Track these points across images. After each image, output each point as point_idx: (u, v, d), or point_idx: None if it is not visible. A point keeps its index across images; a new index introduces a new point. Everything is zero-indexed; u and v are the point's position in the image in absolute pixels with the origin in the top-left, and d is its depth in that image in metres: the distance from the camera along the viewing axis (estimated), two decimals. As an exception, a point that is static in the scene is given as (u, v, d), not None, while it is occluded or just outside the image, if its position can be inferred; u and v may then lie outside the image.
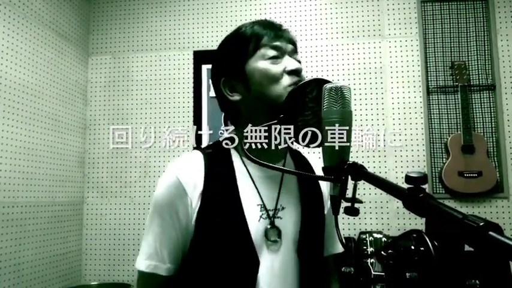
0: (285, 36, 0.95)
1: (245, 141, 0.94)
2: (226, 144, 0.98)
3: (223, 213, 0.89)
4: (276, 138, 0.92)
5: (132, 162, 2.76)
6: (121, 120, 2.80)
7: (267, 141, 0.92)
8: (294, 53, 0.96)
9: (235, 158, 0.96)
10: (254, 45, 0.93)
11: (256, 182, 0.94)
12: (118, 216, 2.74)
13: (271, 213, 0.93)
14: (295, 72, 0.91)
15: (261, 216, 0.92)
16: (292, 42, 0.97)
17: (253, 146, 0.93)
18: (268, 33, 0.93)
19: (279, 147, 0.94)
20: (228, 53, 0.98)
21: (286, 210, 0.95)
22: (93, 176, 2.79)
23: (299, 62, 0.96)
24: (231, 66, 0.95)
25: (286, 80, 0.90)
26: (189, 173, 0.91)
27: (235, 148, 0.97)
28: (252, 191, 0.93)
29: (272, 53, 0.92)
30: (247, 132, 0.93)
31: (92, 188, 2.79)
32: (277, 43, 0.93)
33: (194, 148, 1.01)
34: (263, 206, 0.93)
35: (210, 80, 1.05)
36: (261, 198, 0.93)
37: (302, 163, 1.06)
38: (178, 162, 0.94)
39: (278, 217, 0.94)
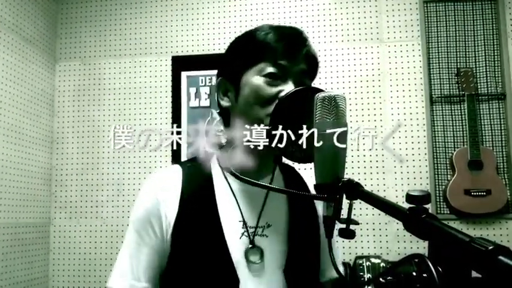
0: (300, 54, 0.92)
1: (227, 152, 0.95)
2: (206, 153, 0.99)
3: (199, 230, 0.91)
4: (262, 153, 0.92)
5: (104, 179, 2.74)
6: (92, 133, 2.79)
7: (251, 154, 0.93)
8: (304, 75, 0.93)
9: (216, 170, 0.98)
10: (258, 56, 0.92)
11: (238, 196, 0.95)
12: (89, 239, 2.71)
13: (251, 230, 0.94)
14: None
15: (243, 234, 0.93)
16: (310, 62, 0.94)
17: (236, 159, 0.94)
18: (280, 47, 0.90)
19: (265, 161, 0.95)
20: (232, 54, 0.99)
21: (272, 228, 0.96)
22: (61, 195, 2.78)
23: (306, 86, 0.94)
24: (230, 69, 0.97)
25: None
26: (166, 187, 0.94)
27: (217, 160, 0.99)
28: (233, 207, 0.94)
29: (272, 70, 0.90)
30: (229, 143, 0.95)
31: (60, 208, 2.76)
32: (284, 62, 0.90)
33: (175, 163, 1.03)
34: (244, 223, 0.94)
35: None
36: (242, 215, 0.94)
37: (294, 179, 1.07)
38: (155, 177, 0.98)
39: (262, 235, 0.94)
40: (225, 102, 0.97)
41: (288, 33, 0.94)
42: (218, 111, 1.03)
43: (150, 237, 0.92)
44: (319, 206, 1.03)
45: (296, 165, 1.11)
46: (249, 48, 0.94)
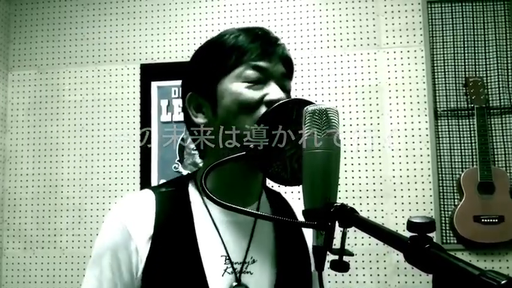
0: (277, 56, 0.94)
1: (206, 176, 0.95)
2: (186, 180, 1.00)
3: (176, 266, 0.90)
4: (246, 176, 0.94)
5: (63, 204, 2.74)
6: (49, 152, 2.77)
7: (233, 178, 0.94)
8: (284, 78, 0.95)
9: (195, 198, 0.97)
10: (234, 61, 0.92)
11: (220, 228, 0.94)
12: (45, 272, 2.69)
13: (238, 267, 0.93)
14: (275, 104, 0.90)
15: (225, 271, 0.92)
16: (287, 63, 0.96)
17: (217, 184, 0.94)
18: (254, 49, 0.92)
19: (251, 186, 0.97)
20: (201, 64, 0.98)
21: (257, 264, 0.95)
22: (14, 222, 2.77)
23: (288, 91, 0.96)
24: (201, 80, 0.96)
25: (262, 112, 0.89)
26: (137, 217, 0.92)
27: (196, 186, 0.99)
28: (215, 239, 0.93)
29: (252, 74, 0.91)
30: (208, 165, 0.92)
31: (13, 236, 2.75)
32: (263, 63, 0.92)
33: (146, 187, 1.02)
34: (228, 258, 0.93)
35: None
36: (226, 249, 0.93)
37: (281, 207, 1.07)
38: (123, 204, 0.96)
39: (247, 272, 0.94)
40: (200, 119, 0.96)
41: (260, 34, 0.96)
42: (190, 133, 1.03)
43: (116, 276, 0.90)
44: (309, 236, 1.04)
45: (282, 189, 1.12)
46: (221, 54, 0.94)
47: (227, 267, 0.92)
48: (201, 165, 1.07)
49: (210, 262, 0.91)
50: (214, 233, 0.94)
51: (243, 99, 0.90)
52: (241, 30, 0.96)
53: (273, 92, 0.90)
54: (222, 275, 0.91)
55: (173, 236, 0.92)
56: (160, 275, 0.89)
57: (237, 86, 0.91)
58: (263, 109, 0.89)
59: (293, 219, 1.03)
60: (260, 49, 0.92)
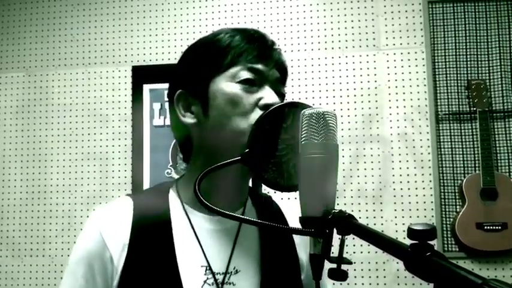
0: (273, 60, 0.95)
1: (189, 180, 0.95)
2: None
3: (152, 276, 0.89)
4: (236, 181, 0.94)
5: (51, 211, 2.72)
6: (38, 157, 2.77)
7: (222, 183, 0.93)
8: (279, 82, 0.96)
9: (175, 204, 0.97)
10: (228, 60, 0.92)
11: (200, 236, 0.94)
12: (34, 281, 2.68)
13: (219, 277, 0.92)
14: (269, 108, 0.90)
15: (205, 282, 0.91)
16: (282, 69, 0.97)
17: (204, 189, 0.91)
18: (251, 50, 0.93)
19: (239, 191, 0.97)
20: (193, 62, 0.98)
21: (241, 274, 0.94)
22: (1, 229, 2.76)
23: (282, 96, 0.96)
24: (193, 78, 0.95)
25: (256, 116, 0.89)
26: (113, 223, 0.92)
27: (177, 192, 0.99)
28: (194, 248, 0.93)
29: (247, 75, 0.91)
30: (194, 169, 0.95)
31: (0, 244, 2.74)
32: (259, 66, 0.92)
33: (126, 194, 1.02)
34: (209, 268, 0.92)
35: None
36: (206, 258, 0.92)
37: (270, 213, 1.06)
38: (101, 211, 0.96)
39: (229, 283, 0.93)
40: (188, 119, 0.95)
41: (256, 36, 0.96)
42: (176, 134, 1.03)
43: (89, 284, 0.91)
44: (301, 244, 1.05)
45: (277, 195, 1.13)
46: (216, 52, 0.94)
47: (207, 278, 0.91)
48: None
49: (189, 272, 0.90)
50: (194, 241, 0.93)
51: (238, 101, 0.90)
52: (237, 31, 0.97)
53: (268, 96, 0.90)
54: (202, 286, 0.91)
55: (149, 245, 0.91)
56: (136, 285, 0.89)
57: (232, 87, 0.91)
58: (257, 113, 0.89)
59: (287, 226, 1.02)
60: (257, 51, 0.93)
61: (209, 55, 0.94)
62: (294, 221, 1.04)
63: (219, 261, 0.93)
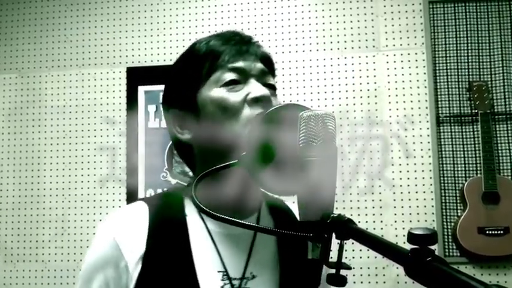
0: (252, 53, 0.95)
1: (199, 189, 0.96)
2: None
3: (170, 283, 0.89)
4: (242, 187, 0.93)
5: (45, 215, 2.72)
6: (30, 160, 2.76)
7: (228, 188, 0.93)
8: (265, 74, 0.96)
9: (190, 210, 0.97)
10: (208, 67, 0.93)
11: (217, 241, 0.94)
12: (27, 287, 2.67)
13: (236, 283, 0.92)
14: (259, 101, 0.90)
15: (222, 287, 0.91)
16: (265, 59, 0.98)
17: (212, 196, 0.93)
18: (228, 50, 0.93)
19: (247, 196, 0.96)
20: (178, 77, 0.99)
21: (257, 280, 0.94)
22: (-6, 234, 2.75)
23: (272, 86, 0.96)
24: (181, 94, 0.97)
25: (247, 112, 0.90)
26: (128, 230, 0.92)
27: (191, 196, 0.97)
28: (211, 254, 0.93)
29: (230, 76, 0.92)
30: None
31: (-8, 249, 2.74)
32: (239, 64, 0.93)
33: (130, 197, 1.01)
34: (225, 274, 0.92)
35: (157, 105, 1.09)
36: (223, 264, 0.92)
37: (285, 219, 1.05)
38: (116, 217, 0.97)
39: None
40: (186, 135, 0.97)
41: (229, 35, 0.98)
42: (177, 150, 1.04)
43: None
44: None
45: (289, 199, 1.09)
46: (195, 63, 0.95)
47: (224, 284, 0.91)
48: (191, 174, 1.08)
49: (206, 278, 0.90)
50: (211, 246, 0.93)
51: (226, 103, 0.90)
52: (212, 36, 0.98)
53: (254, 89, 0.91)
54: None
55: (167, 251, 0.91)
56: None
57: (217, 92, 0.91)
58: (247, 109, 0.90)
59: (286, 231, 1.01)
60: (234, 50, 0.93)
61: (190, 67, 0.96)
62: None
63: (235, 266, 0.94)
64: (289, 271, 0.97)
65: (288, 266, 0.98)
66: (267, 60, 0.98)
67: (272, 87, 0.96)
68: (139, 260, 0.90)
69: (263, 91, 0.91)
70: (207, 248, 0.93)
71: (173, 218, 0.96)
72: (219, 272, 0.92)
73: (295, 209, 1.08)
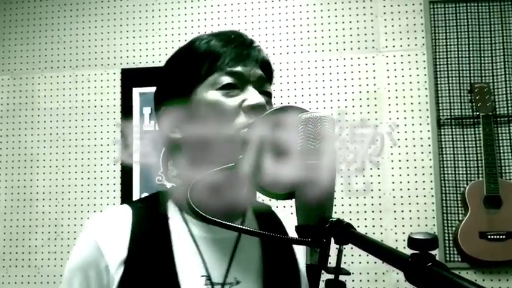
0: (253, 58, 0.94)
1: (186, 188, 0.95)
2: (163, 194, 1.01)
3: (151, 286, 0.90)
4: (232, 190, 0.93)
5: (38, 220, 2.71)
6: (23, 163, 2.76)
7: (216, 191, 0.92)
8: (262, 81, 0.96)
9: (174, 213, 0.97)
10: (207, 68, 0.92)
11: (200, 246, 0.94)
12: (20, 292, 2.65)
13: None
14: (254, 109, 0.90)
15: None
16: (264, 65, 0.97)
17: (198, 198, 0.90)
18: (228, 53, 0.92)
19: (235, 200, 0.96)
20: (173, 75, 0.98)
21: (241, 285, 0.94)
22: (-15, 239, 2.75)
23: (269, 93, 0.96)
24: (175, 92, 0.95)
25: (241, 119, 0.90)
26: (111, 232, 0.93)
27: (175, 201, 0.99)
28: (194, 258, 0.93)
29: (227, 80, 0.91)
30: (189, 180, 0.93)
31: (-16, 254, 2.74)
32: (238, 68, 0.92)
33: (126, 202, 1.04)
34: (208, 279, 0.92)
35: (152, 108, 1.12)
36: (206, 268, 0.92)
37: (270, 224, 1.06)
38: (98, 219, 0.97)
39: None
40: (177, 134, 0.96)
41: (233, 37, 0.96)
42: (167, 148, 1.03)
43: None
44: (301, 254, 1.04)
45: (273, 203, 1.11)
46: (193, 62, 0.94)
47: None
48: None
49: (189, 283, 0.90)
50: (194, 251, 0.93)
51: (220, 107, 0.90)
52: (213, 35, 0.97)
53: (251, 97, 0.90)
54: None
55: (149, 256, 0.92)
56: None
57: (213, 95, 0.91)
58: (242, 116, 0.90)
59: (285, 236, 1.02)
60: (234, 53, 0.92)
61: (187, 65, 0.95)
62: (291, 231, 1.04)
63: (218, 271, 0.93)
64: (274, 276, 0.98)
65: (272, 271, 0.98)
66: (266, 66, 0.97)
67: (268, 95, 0.95)
68: (121, 264, 0.90)
69: (259, 99, 0.90)
70: (189, 252, 0.93)
71: (156, 221, 0.96)
72: (202, 276, 0.92)
73: (290, 218, 1.08)
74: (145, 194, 2.55)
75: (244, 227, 0.90)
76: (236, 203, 0.98)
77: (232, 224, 0.77)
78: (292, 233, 1.00)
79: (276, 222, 1.08)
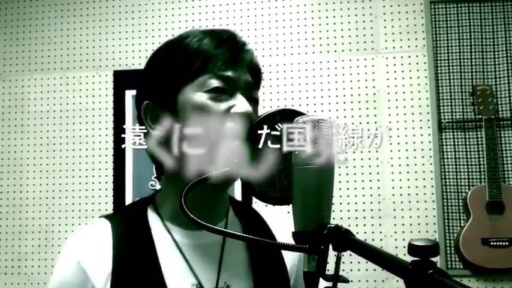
0: (245, 63, 0.95)
1: (166, 194, 0.97)
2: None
3: None
4: (215, 193, 0.95)
5: (28, 226, 2.71)
6: (13, 168, 2.76)
7: (200, 194, 0.90)
8: (251, 88, 0.96)
9: (154, 222, 0.96)
10: (197, 68, 0.91)
11: (186, 253, 0.93)
12: (9, 301, 2.66)
13: None
14: (242, 117, 0.90)
15: None
16: (254, 71, 0.97)
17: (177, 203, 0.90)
18: (221, 55, 0.92)
19: (218, 202, 0.98)
20: (160, 69, 0.97)
21: None
22: (-26, 245, 2.75)
23: (256, 100, 0.96)
24: (160, 89, 0.95)
25: (228, 125, 0.90)
26: (92, 251, 0.92)
27: (155, 208, 0.99)
28: (182, 266, 0.92)
29: (217, 83, 0.90)
30: (171, 184, 0.95)
31: (-27, 261, 2.73)
32: (229, 73, 0.91)
33: (100, 216, 1.02)
34: (200, 286, 0.92)
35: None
36: (196, 276, 0.92)
37: (253, 223, 1.06)
38: (78, 238, 0.96)
39: None
40: (158, 132, 0.94)
41: (226, 38, 0.95)
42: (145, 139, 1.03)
43: None
44: (288, 258, 1.05)
45: (268, 207, 1.07)
46: (183, 59, 0.93)
47: None
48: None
49: None
50: (180, 259, 0.93)
51: (207, 112, 0.90)
52: (206, 33, 0.95)
53: (239, 104, 0.90)
54: None
55: (135, 270, 0.91)
56: None
57: (200, 97, 0.90)
58: (228, 122, 0.90)
59: (281, 243, 1.01)
60: (226, 56, 0.92)
61: (176, 62, 0.93)
62: (273, 225, 1.07)
63: (208, 277, 0.93)
64: (263, 277, 0.98)
65: (261, 272, 0.99)
66: (255, 72, 0.97)
67: (255, 101, 0.95)
68: (107, 281, 0.89)
69: (247, 108, 0.90)
70: (176, 260, 0.92)
71: (138, 233, 0.95)
72: (192, 285, 0.91)
73: (262, 213, 1.11)
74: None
75: (245, 235, 0.86)
76: (218, 205, 0.99)
77: (233, 232, 0.77)
78: (272, 224, 1.07)
79: (258, 220, 1.08)
